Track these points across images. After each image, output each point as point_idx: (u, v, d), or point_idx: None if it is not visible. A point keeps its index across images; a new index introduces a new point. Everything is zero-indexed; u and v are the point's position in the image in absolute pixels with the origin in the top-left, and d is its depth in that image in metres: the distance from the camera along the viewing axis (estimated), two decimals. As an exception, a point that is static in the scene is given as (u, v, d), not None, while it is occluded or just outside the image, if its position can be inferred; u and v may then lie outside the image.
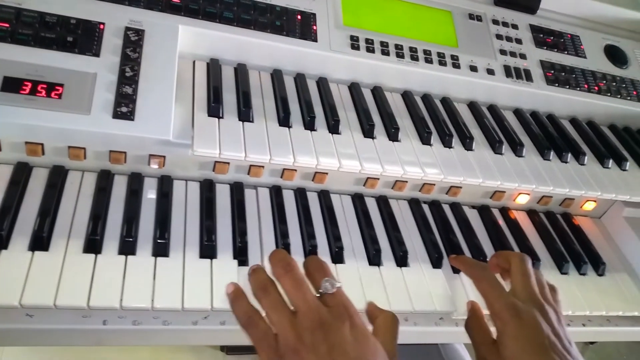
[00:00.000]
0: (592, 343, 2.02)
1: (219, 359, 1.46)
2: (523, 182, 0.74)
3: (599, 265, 0.79)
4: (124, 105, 0.60)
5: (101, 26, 0.65)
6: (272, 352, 0.46)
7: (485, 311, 0.62)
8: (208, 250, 0.60)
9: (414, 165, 0.71)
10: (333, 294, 0.50)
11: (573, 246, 0.81)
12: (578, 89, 0.89)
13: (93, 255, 0.56)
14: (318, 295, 0.50)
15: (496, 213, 0.83)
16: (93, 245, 0.57)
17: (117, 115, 0.59)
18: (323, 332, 0.46)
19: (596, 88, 0.91)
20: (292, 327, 0.47)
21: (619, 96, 0.92)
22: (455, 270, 0.71)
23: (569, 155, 0.82)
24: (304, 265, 0.54)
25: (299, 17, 0.76)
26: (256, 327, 0.48)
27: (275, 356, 0.46)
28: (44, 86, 0.58)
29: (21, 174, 0.61)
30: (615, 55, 0.97)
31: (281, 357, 0.46)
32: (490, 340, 0.56)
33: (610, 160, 0.84)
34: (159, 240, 0.59)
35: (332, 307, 0.49)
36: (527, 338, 0.51)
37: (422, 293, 0.66)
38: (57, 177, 0.62)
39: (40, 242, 0.55)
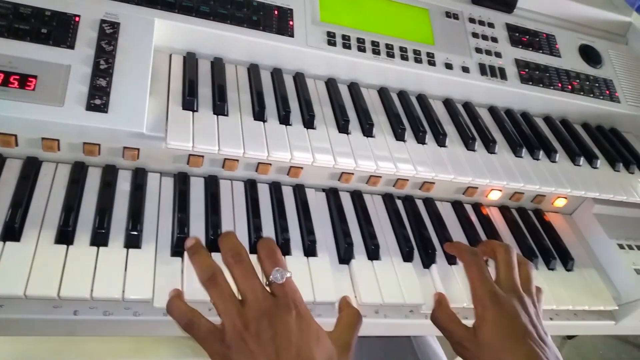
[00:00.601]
0: (570, 338, 2.06)
1: (199, 350, 1.47)
2: (494, 178, 0.76)
3: (567, 261, 0.81)
4: (98, 97, 0.60)
5: (76, 18, 0.65)
6: (218, 346, 0.48)
7: (452, 304, 0.64)
8: (180, 244, 0.61)
9: (387, 160, 0.72)
10: (282, 284, 0.52)
11: (543, 242, 0.83)
12: (552, 87, 0.91)
13: (65, 246, 0.57)
14: (267, 283, 0.52)
15: (469, 209, 0.84)
16: (65, 236, 0.57)
17: (90, 107, 0.59)
18: (268, 320, 0.48)
19: (570, 87, 0.93)
20: (240, 316, 0.49)
21: (592, 95, 0.94)
22: (426, 265, 0.72)
23: (541, 152, 0.84)
24: (257, 248, 0.55)
25: (275, 12, 0.77)
26: (199, 326, 0.49)
27: (222, 348, 0.48)
28: (17, 77, 0.58)
29: (-7, 165, 0.61)
30: (589, 54, 0.99)
31: (228, 348, 0.47)
32: (463, 327, 0.58)
33: (582, 158, 0.86)
34: (131, 232, 0.60)
35: (279, 297, 0.51)
36: (505, 325, 0.53)
37: (392, 286, 0.67)
38: (31, 169, 0.63)
39: (11, 232, 0.56)
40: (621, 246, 0.83)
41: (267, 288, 0.53)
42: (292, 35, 0.77)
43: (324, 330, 0.52)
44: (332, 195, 0.76)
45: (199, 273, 0.54)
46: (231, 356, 0.47)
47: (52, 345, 1.27)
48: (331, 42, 0.79)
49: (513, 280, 0.60)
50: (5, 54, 0.59)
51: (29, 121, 0.57)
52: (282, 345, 0.47)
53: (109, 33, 0.65)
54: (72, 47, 0.63)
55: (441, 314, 0.62)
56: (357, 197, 0.78)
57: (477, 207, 0.85)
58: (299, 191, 0.75)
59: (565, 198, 0.89)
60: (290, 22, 0.77)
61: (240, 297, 0.52)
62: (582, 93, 0.94)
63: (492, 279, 0.58)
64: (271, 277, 0.52)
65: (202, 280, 0.53)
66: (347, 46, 0.79)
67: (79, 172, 0.64)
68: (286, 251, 0.66)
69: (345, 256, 0.68)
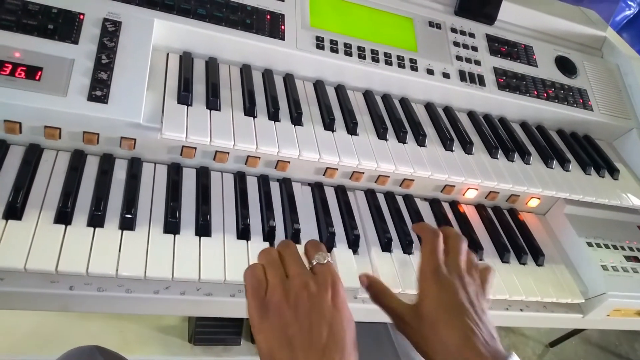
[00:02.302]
0: (552, 345, 2.10)
1: (187, 350, 1.49)
2: (470, 176, 0.81)
3: (538, 257, 0.86)
4: (99, 89, 0.64)
5: (81, 16, 0.70)
6: (258, 299, 0.51)
7: None
8: (172, 227, 0.65)
9: (369, 157, 0.77)
10: (323, 265, 0.56)
11: (516, 238, 0.87)
12: (528, 94, 0.97)
13: (63, 226, 0.61)
14: (310, 266, 0.56)
15: (446, 206, 0.89)
16: (64, 216, 0.61)
17: (91, 98, 0.63)
18: (307, 294, 0.52)
19: (545, 95, 0.98)
20: (282, 284, 0.52)
21: (566, 103, 1.00)
22: (405, 253, 0.76)
23: (516, 154, 0.89)
24: (305, 247, 0.60)
25: (268, 16, 0.82)
26: (253, 276, 0.53)
27: (261, 305, 0.51)
28: (24, 68, 0.63)
29: (-2, 150, 0.65)
30: (565, 65, 1.04)
31: (265, 308, 0.51)
32: (403, 304, 0.60)
33: (555, 161, 0.91)
34: (126, 215, 0.64)
35: (319, 276, 0.55)
36: (444, 300, 0.57)
37: (370, 273, 0.71)
38: (33, 155, 0.67)
39: (14, 211, 0.60)
40: (590, 244, 0.88)
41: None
42: (283, 39, 0.82)
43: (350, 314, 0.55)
44: (317, 189, 0.81)
45: (261, 251, 0.58)
46: (266, 317, 0.50)
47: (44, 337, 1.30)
48: (320, 46, 0.84)
49: (458, 263, 0.62)
50: (13, 46, 0.64)
51: (34, 109, 0.62)
52: (315, 321, 0.50)
53: (111, 31, 0.70)
54: (76, 42, 0.67)
55: (378, 290, 0.63)
56: (341, 191, 0.82)
57: (454, 205, 0.90)
58: (286, 184, 0.79)
59: (539, 198, 0.93)
60: (282, 26, 0.82)
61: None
62: (556, 101, 0.99)
63: (441, 259, 0.62)
64: (314, 259, 0.57)
65: (259, 255, 0.57)
66: (334, 50, 0.84)
67: (78, 160, 0.68)
68: (270, 239, 0.70)
69: (327, 244, 0.73)
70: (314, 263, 0.57)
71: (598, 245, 0.89)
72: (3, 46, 0.63)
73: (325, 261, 0.56)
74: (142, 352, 1.44)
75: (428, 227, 0.69)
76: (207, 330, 1.49)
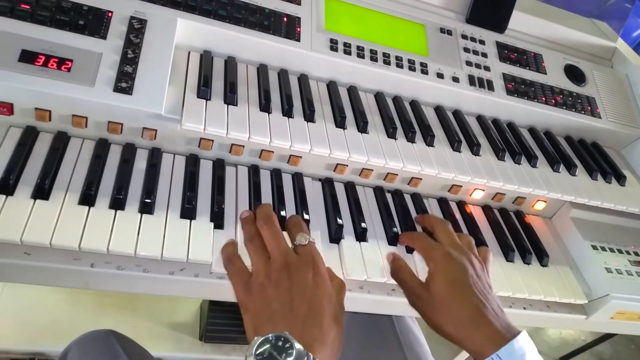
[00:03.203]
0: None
1: (197, 348, 1.52)
2: (476, 176, 0.83)
3: (543, 257, 0.87)
4: (124, 81, 0.69)
5: (109, 14, 0.74)
6: (243, 285, 0.56)
7: None
8: (188, 212, 0.69)
9: (378, 154, 0.79)
10: (304, 245, 0.60)
11: (521, 239, 0.89)
12: (536, 100, 0.99)
13: (87, 207, 0.64)
14: (293, 246, 0.60)
15: (453, 206, 0.91)
16: (88, 198, 0.65)
17: (117, 89, 0.68)
18: (288, 272, 0.56)
19: (553, 101, 1.00)
20: (265, 266, 0.56)
21: (574, 110, 1.02)
22: (409, 250, 0.79)
23: (523, 157, 0.91)
24: (286, 222, 0.64)
25: (285, 19, 0.86)
26: (234, 264, 0.57)
27: (245, 288, 0.55)
28: (56, 60, 0.67)
29: (29, 136, 0.69)
30: (574, 73, 1.07)
31: (250, 290, 0.55)
32: (417, 280, 0.66)
33: (561, 166, 0.93)
34: (145, 200, 0.67)
35: (301, 255, 0.58)
36: (453, 275, 0.61)
37: (377, 265, 0.74)
38: (60, 142, 0.71)
39: (41, 191, 0.64)
40: (594, 247, 0.90)
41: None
42: (298, 40, 0.85)
43: (335, 293, 0.59)
44: (327, 184, 0.84)
45: (244, 235, 0.64)
46: (251, 297, 0.55)
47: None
48: (333, 48, 0.87)
49: (456, 241, 0.68)
50: (47, 39, 0.68)
51: (64, 98, 0.66)
52: (296, 297, 0.54)
53: (137, 28, 0.74)
54: (104, 37, 0.72)
55: (398, 267, 0.69)
56: (350, 188, 0.85)
57: (461, 205, 0.92)
58: (297, 179, 0.82)
59: (545, 201, 0.95)
60: (298, 29, 0.86)
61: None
62: (565, 107, 1.01)
63: (449, 241, 0.66)
64: (296, 240, 0.60)
65: (245, 240, 0.63)
66: (347, 52, 0.88)
67: (102, 148, 0.72)
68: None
69: (335, 236, 0.75)
70: (296, 244, 0.60)
71: (603, 249, 0.90)
72: (38, 39, 0.68)
73: (307, 242, 0.60)
74: (154, 348, 1.47)
75: (408, 232, 0.74)
76: (218, 329, 1.52)
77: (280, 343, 0.47)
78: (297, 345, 0.47)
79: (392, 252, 0.72)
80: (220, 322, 1.53)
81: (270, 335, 0.48)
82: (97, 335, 0.82)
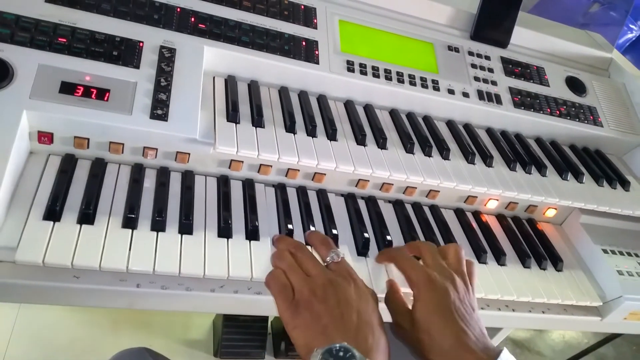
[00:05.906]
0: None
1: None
2: (491, 187, 0.87)
3: (557, 263, 0.91)
4: (160, 108, 0.72)
5: (140, 44, 0.78)
6: (288, 302, 0.58)
7: (403, 289, 0.72)
8: (225, 231, 0.72)
9: (399, 169, 0.83)
10: (338, 262, 0.63)
11: (536, 246, 0.93)
12: (541, 112, 1.04)
13: (130, 230, 0.67)
14: (325, 264, 0.63)
15: (470, 216, 0.95)
16: (130, 222, 0.68)
17: (153, 116, 0.71)
18: (333, 288, 0.58)
19: (557, 112, 1.05)
20: (307, 283, 0.59)
21: (577, 120, 1.07)
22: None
23: (533, 167, 0.96)
24: (309, 239, 0.66)
25: (303, 43, 0.90)
26: (277, 281, 0.60)
27: (291, 305, 0.58)
28: (94, 90, 0.71)
29: (68, 164, 0.72)
30: (575, 85, 1.12)
31: (296, 307, 0.57)
32: (405, 309, 0.66)
33: (569, 174, 0.98)
34: (184, 221, 0.70)
35: (337, 271, 0.61)
36: (436, 302, 0.61)
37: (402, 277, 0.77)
38: (98, 168, 0.73)
39: (87, 217, 0.66)
40: (605, 251, 0.94)
41: None
42: (317, 63, 0.89)
43: (374, 300, 0.62)
44: (350, 199, 0.87)
45: (276, 255, 0.66)
46: (298, 314, 0.57)
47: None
48: (350, 69, 0.91)
49: (440, 263, 0.67)
50: (84, 71, 0.72)
51: (103, 126, 0.69)
52: (345, 309, 0.56)
53: (167, 57, 0.78)
54: (137, 67, 0.75)
55: (391, 297, 0.69)
56: (372, 202, 0.89)
57: (477, 214, 0.96)
58: (322, 195, 0.86)
59: (555, 209, 0.99)
60: (316, 52, 0.90)
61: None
62: (568, 118, 1.06)
63: (421, 264, 0.67)
64: (328, 258, 0.63)
65: (277, 260, 0.64)
66: (364, 73, 0.92)
67: (138, 173, 0.75)
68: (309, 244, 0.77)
69: (362, 249, 0.79)
70: (329, 261, 0.63)
71: (613, 252, 0.94)
72: (75, 71, 0.71)
73: (340, 258, 0.63)
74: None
75: (387, 250, 0.77)
76: (232, 344, 1.54)
77: (341, 353, 0.50)
78: (357, 354, 0.50)
79: (390, 279, 0.72)
80: (235, 337, 1.54)
81: (332, 345, 0.50)
82: (131, 353, 0.85)
